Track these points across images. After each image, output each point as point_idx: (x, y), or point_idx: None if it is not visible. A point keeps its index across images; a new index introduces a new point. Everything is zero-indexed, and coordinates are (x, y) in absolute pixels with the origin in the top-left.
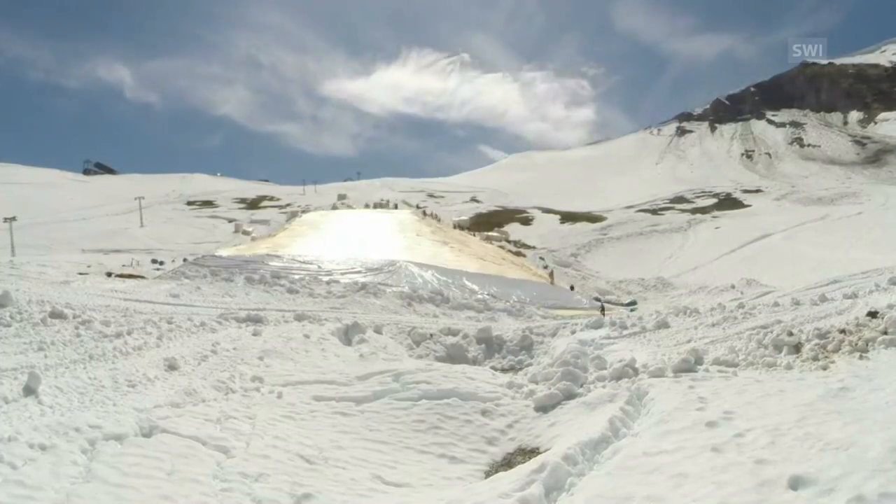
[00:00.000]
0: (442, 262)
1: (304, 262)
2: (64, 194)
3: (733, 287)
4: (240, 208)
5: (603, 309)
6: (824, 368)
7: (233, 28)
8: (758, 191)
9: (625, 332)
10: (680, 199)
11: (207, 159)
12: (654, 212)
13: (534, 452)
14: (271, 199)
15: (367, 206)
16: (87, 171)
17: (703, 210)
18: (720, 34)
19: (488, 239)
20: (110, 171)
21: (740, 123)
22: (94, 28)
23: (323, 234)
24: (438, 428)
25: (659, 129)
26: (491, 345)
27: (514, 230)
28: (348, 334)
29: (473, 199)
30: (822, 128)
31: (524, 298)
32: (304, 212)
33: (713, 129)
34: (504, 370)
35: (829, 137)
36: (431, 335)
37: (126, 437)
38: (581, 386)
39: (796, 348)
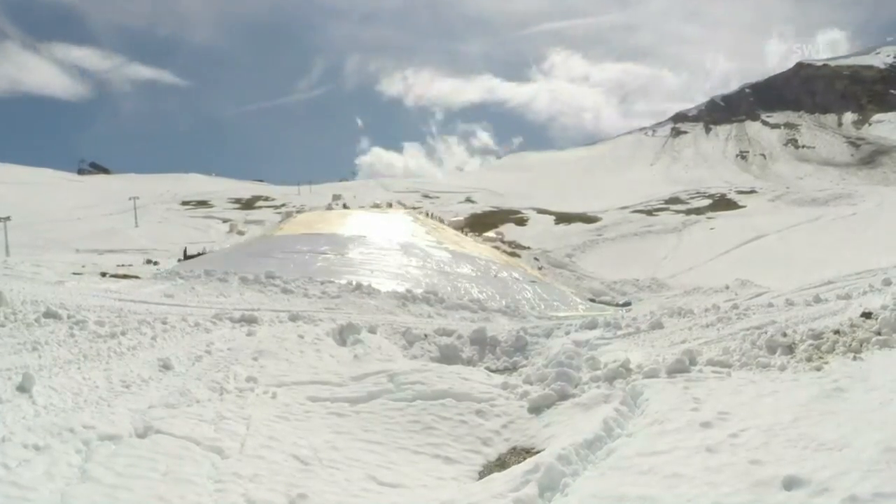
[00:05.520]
0: (437, 262)
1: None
2: (58, 194)
3: (727, 288)
4: (235, 208)
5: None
6: (818, 369)
7: None
8: (752, 192)
9: (619, 333)
10: (674, 200)
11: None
12: (649, 212)
13: (528, 453)
14: (266, 199)
15: (361, 207)
16: (81, 171)
17: (698, 211)
18: None
19: (483, 239)
20: (105, 170)
21: (735, 124)
22: None
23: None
24: (433, 428)
25: (654, 130)
26: (485, 345)
27: (508, 231)
28: (343, 335)
29: (468, 200)
30: (816, 129)
31: (519, 299)
32: (298, 212)
33: (708, 130)
34: (498, 371)
35: (823, 139)
36: (426, 336)
37: (121, 438)
38: (575, 386)
39: (790, 349)
